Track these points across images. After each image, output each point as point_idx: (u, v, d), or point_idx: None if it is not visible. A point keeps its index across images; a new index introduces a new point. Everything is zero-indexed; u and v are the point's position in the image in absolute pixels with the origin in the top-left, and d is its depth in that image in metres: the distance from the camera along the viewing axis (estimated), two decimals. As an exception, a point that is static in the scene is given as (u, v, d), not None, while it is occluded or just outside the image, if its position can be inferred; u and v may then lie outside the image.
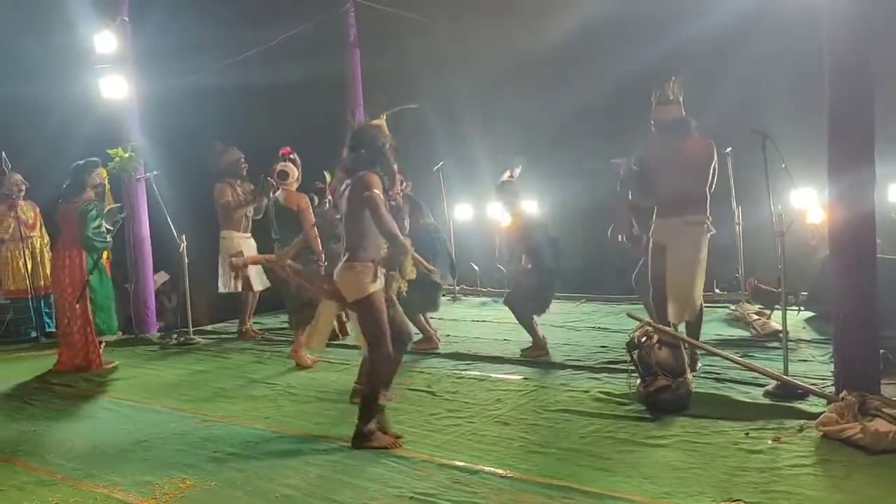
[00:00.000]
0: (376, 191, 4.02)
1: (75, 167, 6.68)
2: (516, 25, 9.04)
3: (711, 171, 5.19)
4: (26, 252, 8.26)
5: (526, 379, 5.33)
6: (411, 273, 4.38)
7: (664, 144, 5.24)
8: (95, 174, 6.76)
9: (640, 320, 4.77)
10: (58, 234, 6.79)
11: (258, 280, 7.67)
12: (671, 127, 5.20)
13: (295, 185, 6.35)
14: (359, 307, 4.09)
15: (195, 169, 8.18)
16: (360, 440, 4.09)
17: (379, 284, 4.10)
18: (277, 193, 6.30)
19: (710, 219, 5.21)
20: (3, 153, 8.25)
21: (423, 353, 6.43)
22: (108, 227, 6.71)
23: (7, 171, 8.24)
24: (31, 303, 8.32)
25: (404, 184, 6.63)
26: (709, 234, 5.18)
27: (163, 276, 8.86)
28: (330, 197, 7.13)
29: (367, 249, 4.06)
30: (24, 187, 8.32)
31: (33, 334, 8.37)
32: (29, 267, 8.27)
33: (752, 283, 7.06)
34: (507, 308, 6.28)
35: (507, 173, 6.35)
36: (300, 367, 6.16)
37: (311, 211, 6.15)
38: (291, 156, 6.34)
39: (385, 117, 5.13)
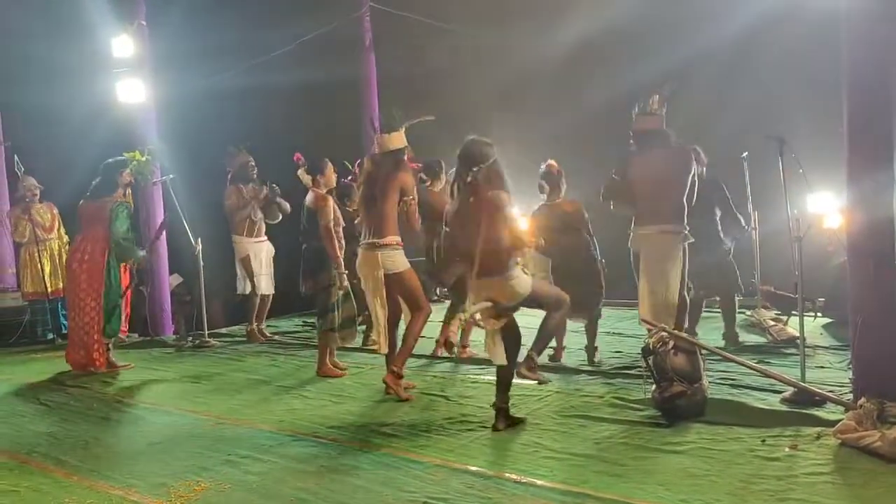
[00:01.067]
0: (507, 212, 4.20)
1: (107, 165, 6.73)
2: (534, 29, 9.02)
3: (689, 182, 5.27)
4: (44, 255, 8.33)
5: (540, 384, 5.30)
6: (531, 268, 4.55)
7: (642, 155, 5.37)
8: (126, 173, 6.80)
9: (654, 325, 4.74)
10: (78, 231, 6.83)
11: (263, 284, 7.75)
12: (650, 137, 5.33)
13: (325, 188, 6.04)
14: (532, 297, 4.35)
15: (211, 172, 8.23)
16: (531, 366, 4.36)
17: (530, 276, 4.38)
18: (307, 196, 6.15)
19: (688, 228, 5.27)
20: (16, 157, 8.32)
21: (437, 357, 6.44)
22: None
23: (20, 175, 8.31)
24: (47, 304, 8.40)
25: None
26: (686, 243, 5.25)
27: (176, 279, 8.92)
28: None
29: (512, 258, 4.23)
30: (37, 191, 8.39)
31: (50, 336, 8.44)
32: (47, 269, 8.34)
33: (764, 290, 7.03)
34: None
35: (550, 161, 6.21)
36: (333, 376, 6.00)
37: (329, 209, 5.87)
38: (301, 162, 6.19)
39: (404, 129, 5.19)
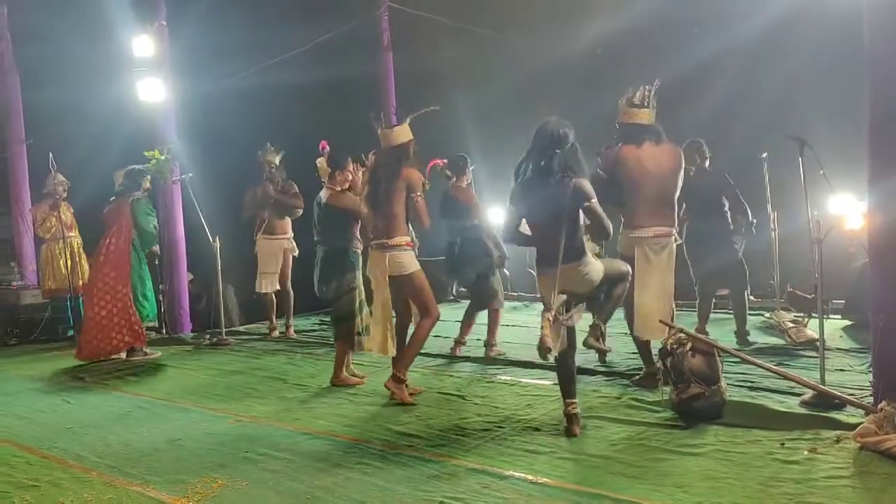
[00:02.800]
0: (594, 200, 4.08)
1: (133, 170, 7.14)
2: (551, 30, 9.00)
3: (679, 180, 5.04)
4: (66, 252, 8.41)
5: (557, 384, 5.27)
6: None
7: (634, 150, 5.01)
8: (147, 179, 7.24)
9: (672, 327, 4.72)
10: (103, 231, 7.01)
11: (263, 282, 7.83)
12: (642, 131, 5.00)
13: (340, 187, 5.66)
14: (604, 279, 4.28)
15: (229, 171, 8.28)
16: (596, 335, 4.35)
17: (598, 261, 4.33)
18: (321, 192, 5.98)
19: (677, 229, 5.11)
20: (51, 153, 8.42)
21: (451, 356, 6.45)
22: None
23: (53, 171, 8.42)
24: (69, 302, 8.48)
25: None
26: (675, 245, 5.08)
27: (188, 276, 8.98)
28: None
29: (585, 247, 4.19)
30: (67, 187, 8.52)
31: (70, 332, 8.52)
32: (68, 266, 8.43)
33: (789, 292, 6.99)
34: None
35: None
36: (349, 385, 5.69)
37: (349, 197, 5.62)
38: (325, 151, 6.00)
39: (409, 121, 5.15)
